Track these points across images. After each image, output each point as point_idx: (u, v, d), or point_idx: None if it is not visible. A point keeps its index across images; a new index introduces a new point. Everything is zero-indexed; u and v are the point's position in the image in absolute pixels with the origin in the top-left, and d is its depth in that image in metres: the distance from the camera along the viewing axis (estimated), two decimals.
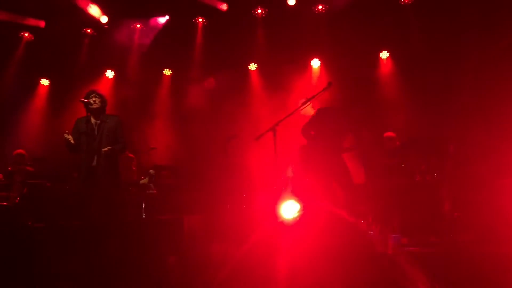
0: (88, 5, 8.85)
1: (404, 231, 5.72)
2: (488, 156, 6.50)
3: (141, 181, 7.53)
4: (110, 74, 9.97)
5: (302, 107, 6.08)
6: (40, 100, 9.91)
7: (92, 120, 5.47)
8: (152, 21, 9.62)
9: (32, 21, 9.25)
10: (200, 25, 9.62)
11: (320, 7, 9.17)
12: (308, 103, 6.06)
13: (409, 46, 8.78)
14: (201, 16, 9.55)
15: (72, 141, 5.31)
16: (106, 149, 5.26)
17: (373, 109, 8.76)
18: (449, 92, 8.18)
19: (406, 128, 8.07)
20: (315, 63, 9.50)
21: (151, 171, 7.30)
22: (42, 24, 9.36)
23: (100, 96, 5.59)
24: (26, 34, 9.52)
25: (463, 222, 6.01)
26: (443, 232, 5.87)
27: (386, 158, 7.17)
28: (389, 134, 7.53)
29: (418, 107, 8.38)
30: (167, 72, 10.06)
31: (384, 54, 9.30)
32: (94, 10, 9.04)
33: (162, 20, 9.61)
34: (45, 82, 9.99)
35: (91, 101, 5.48)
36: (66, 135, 5.31)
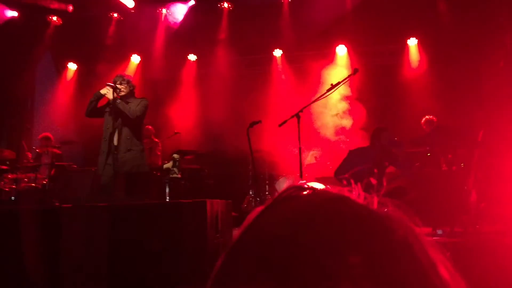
0: None
1: (429, 220, 5.65)
2: None
3: (165, 166, 7.61)
4: (136, 59, 10.05)
5: (327, 94, 6.03)
6: (67, 84, 10.07)
7: (119, 102, 5.52)
8: (178, 5, 9.62)
9: (60, 5, 9.34)
10: (225, 10, 9.58)
11: None
12: (334, 89, 6.00)
13: (439, 32, 8.58)
14: (227, 1, 9.49)
15: (104, 92, 5.37)
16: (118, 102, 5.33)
17: (399, 97, 8.63)
18: (479, 80, 8.01)
19: (434, 117, 7.93)
20: (341, 50, 9.37)
21: (175, 155, 7.35)
22: (70, 8, 9.45)
23: (127, 82, 5.63)
24: (55, 18, 9.63)
25: (489, 213, 5.90)
26: (468, 222, 5.77)
27: (413, 147, 7.07)
28: (428, 117, 7.45)
29: (447, 95, 8.22)
30: (192, 57, 10.07)
31: (412, 41, 9.12)
32: None
33: (188, 5, 9.60)
34: (72, 66, 10.12)
35: (118, 87, 5.52)
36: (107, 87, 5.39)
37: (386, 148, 6.04)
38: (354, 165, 5.80)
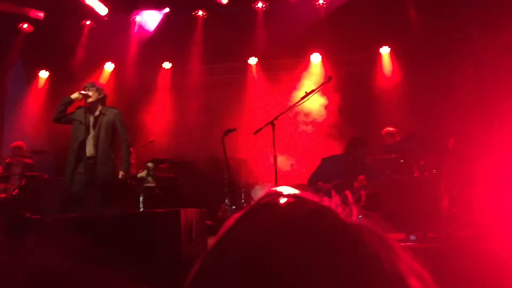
0: None
1: (401, 226, 5.71)
2: (488, 152, 6.48)
3: (139, 174, 7.52)
4: (109, 66, 9.94)
5: (301, 102, 6.08)
6: (39, 92, 9.89)
7: (90, 112, 5.47)
8: (152, 13, 9.56)
9: (32, 12, 9.19)
10: (200, 18, 9.58)
11: (320, 1, 9.11)
12: (308, 97, 6.04)
13: (410, 41, 8.75)
14: (202, 9, 9.49)
15: (74, 97, 5.31)
16: (121, 175, 5.30)
17: (373, 105, 8.75)
18: (450, 88, 8.16)
19: (406, 124, 8.05)
20: (316, 58, 9.46)
21: (149, 164, 7.28)
22: (41, 15, 9.30)
23: (97, 89, 5.57)
24: (26, 26, 9.46)
25: (461, 218, 5.99)
26: (441, 228, 5.85)
27: (385, 153, 7.16)
28: (389, 129, 7.53)
29: (418, 103, 8.38)
30: (166, 65, 10.02)
31: (385, 49, 9.27)
32: (93, 2, 8.98)
33: (162, 12, 9.56)
34: (44, 74, 9.95)
35: (88, 94, 5.47)
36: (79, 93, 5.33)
37: (360, 160, 6.10)
38: (327, 174, 5.84)
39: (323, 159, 6.10)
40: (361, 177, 6.59)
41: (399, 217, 5.68)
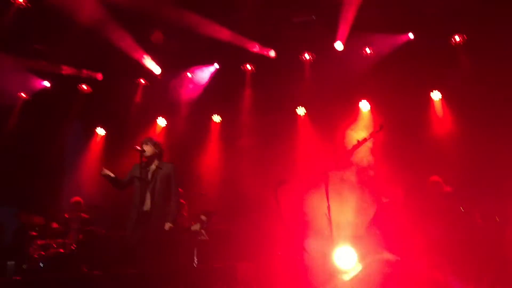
0: (142, 56, 9.23)
1: (468, 278, 5.39)
2: None
3: (193, 227, 7.54)
4: (162, 122, 10.25)
5: (352, 150, 5.99)
6: (96, 148, 10.27)
7: (147, 166, 5.60)
8: (202, 69, 9.89)
9: (90, 74, 9.73)
10: (248, 71, 9.81)
11: (368, 50, 9.15)
12: (360, 146, 5.96)
13: (462, 86, 8.55)
14: (250, 63, 9.74)
15: (111, 174, 5.46)
16: (168, 227, 5.37)
17: (426, 151, 8.49)
18: (507, 132, 7.87)
19: (463, 171, 7.76)
20: (365, 106, 9.40)
21: (203, 216, 7.30)
22: (99, 76, 9.82)
23: (154, 144, 5.74)
24: (85, 86, 9.99)
25: None
26: (509, 279, 5.49)
27: (444, 202, 6.90)
28: (434, 178, 7.26)
29: (475, 148, 8.08)
30: (216, 118, 10.23)
31: (436, 95, 9.09)
32: (148, 61, 9.41)
33: (212, 68, 9.88)
34: (101, 131, 10.36)
35: (144, 148, 5.62)
36: (102, 172, 5.48)
37: None
38: None
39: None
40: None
41: (465, 268, 5.39)
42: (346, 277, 4.43)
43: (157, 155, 5.73)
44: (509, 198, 6.61)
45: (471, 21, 8.38)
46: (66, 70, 9.46)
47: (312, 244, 6.66)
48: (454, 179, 7.41)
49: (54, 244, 7.25)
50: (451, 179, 7.37)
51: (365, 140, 6.03)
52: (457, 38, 8.71)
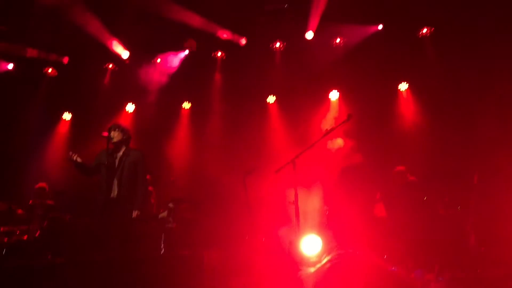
0: (111, 41, 9.06)
1: (429, 266, 5.56)
2: None
3: (160, 215, 7.50)
4: (130, 107, 10.11)
5: (320, 139, 6.05)
6: (62, 134, 10.06)
7: (115, 153, 5.53)
8: (172, 55, 9.78)
9: (56, 57, 9.50)
10: (219, 59, 9.76)
11: (338, 40, 9.23)
12: (327, 135, 6.02)
13: (429, 77, 8.72)
14: (220, 50, 9.68)
15: (78, 159, 5.37)
16: (135, 215, 5.32)
17: (393, 142, 8.67)
18: (471, 123, 8.08)
19: (428, 160, 7.95)
20: (334, 95, 9.49)
21: (170, 204, 7.26)
22: (65, 60, 9.60)
23: (121, 130, 5.67)
24: (50, 70, 9.75)
25: (490, 256, 5.82)
26: (469, 267, 5.68)
27: (407, 191, 7.06)
28: (400, 168, 7.42)
29: (440, 138, 8.28)
30: (186, 105, 10.16)
31: (403, 86, 9.25)
32: (116, 46, 9.24)
33: (182, 54, 9.78)
34: (67, 116, 10.15)
35: (111, 135, 5.55)
36: (69, 156, 5.39)
37: None
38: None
39: (342, 169, 5.97)
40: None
41: (426, 255, 5.54)
42: (312, 269, 4.51)
43: (125, 141, 5.67)
44: (470, 188, 6.82)
45: (438, 13, 8.53)
46: (31, 52, 9.20)
47: (279, 232, 6.74)
48: (418, 169, 7.59)
49: (17, 231, 7.10)
50: (416, 169, 7.55)
51: (333, 129, 6.10)
52: (424, 30, 8.86)
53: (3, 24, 8.60)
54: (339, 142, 6.31)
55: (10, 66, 9.54)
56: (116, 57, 9.48)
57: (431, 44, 8.88)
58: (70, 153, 5.49)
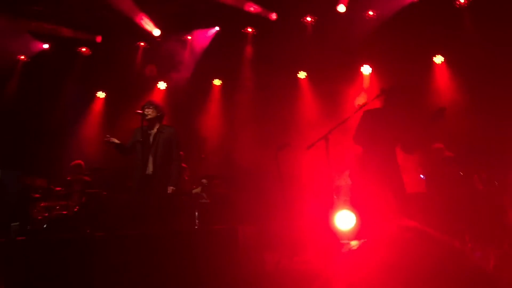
0: (142, 19, 9.11)
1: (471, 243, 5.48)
2: None
3: (194, 191, 7.61)
4: (162, 85, 10.19)
5: (354, 115, 5.95)
6: (97, 112, 10.27)
7: (149, 130, 5.61)
8: (202, 32, 9.77)
9: (89, 36, 9.64)
10: (249, 34, 9.70)
11: (370, 12, 9.00)
12: (361, 110, 5.92)
13: (465, 50, 8.44)
14: (251, 26, 9.61)
15: (115, 141, 5.48)
16: (170, 190, 5.40)
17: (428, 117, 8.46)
18: (508, 96, 7.82)
19: (465, 136, 7.76)
20: (366, 70, 9.31)
21: (204, 180, 7.36)
22: (98, 39, 9.73)
23: (155, 107, 5.73)
24: (84, 49, 9.91)
25: None
26: (508, 243, 5.57)
27: (445, 166, 6.93)
28: (437, 144, 7.24)
29: (477, 114, 8.05)
30: (217, 82, 10.17)
31: (438, 59, 8.98)
32: (147, 24, 9.28)
33: (212, 31, 9.75)
34: (101, 94, 10.33)
35: (145, 112, 5.62)
36: (106, 139, 5.49)
37: (400, 112, 5.49)
38: (370, 127, 5.36)
39: (365, 112, 5.64)
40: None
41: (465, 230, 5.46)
42: (354, 243, 4.49)
43: (159, 118, 5.74)
44: (509, 164, 6.65)
45: None
46: (66, 32, 9.35)
47: (313, 208, 6.76)
48: (455, 144, 7.43)
49: (57, 206, 7.34)
50: (453, 145, 7.39)
51: (366, 104, 5.99)
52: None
53: (38, 4, 8.75)
54: (361, 99, 6.17)
55: (46, 46, 9.74)
56: (148, 35, 9.53)
57: (468, 15, 8.56)
58: (107, 136, 5.60)
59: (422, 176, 6.98)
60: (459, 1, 8.56)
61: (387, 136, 5.36)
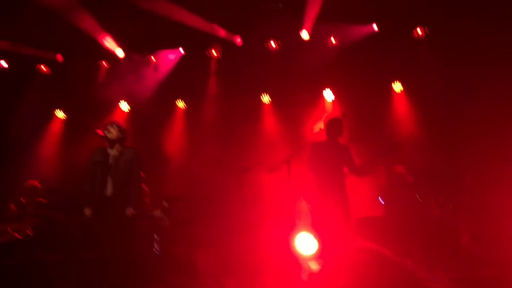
0: (105, 38, 9.02)
1: (424, 263, 5.57)
2: (506, 186, 6.40)
3: (154, 213, 7.47)
4: (125, 106, 10.05)
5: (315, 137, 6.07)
6: (55, 132, 10.01)
7: (109, 150, 5.51)
8: (166, 54, 9.77)
9: (49, 55, 9.47)
10: (214, 57, 9.74)
11: (333, 40, 9.23)
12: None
13: (423, 78, 8.74)
14: (215, 49, 9.67)
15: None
16: (129, 212, 5.31)
17: (386, 141, 8.67)
18: (464, 122, 8.12)
19: (420, 160, 7.97)
20: (328, 94, 9.48)
21: (165, 203, 7.24)
22: (59, 57, 9.56)
23: (118, 128, 5.64)
24: (43, 67, 9.71)
25: (483, 255, 5.84)
26: (462, 267, 5.70)
27: (401, 190, 7.08)
28: (399, 167, 7.41)
29: (432, 139, 8.32)
30: (180, 103, 10.12)
31: (397, 86, 9.24)
32: (110, 43, 9.20)
33: (177, 52, 9.76)
34: (60, 114, 10.09)
35: (107, 132, 5.53)
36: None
37: (342, 140, 6.11)
38: (319, 157, 5.80)
39: (312, 144, 5.96)
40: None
41: (420, 254, 5.56)
42: (313, 265, 4.50)
43: (120, 139, 5.64)
44: (463, 187, 6.86)
45: (433, 14, 8.55)
46: (25, 50, 9.15)
47: (275, 231, 6.74)
48: (412, 168, 7.60)
49: (9, 229, 7.04)
50: (410, 169, 7.57)
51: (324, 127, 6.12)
52: (419, 31, 8.86)
53: None
54: (320, 125, 6.40)
55: (4, 63, 9.50)
56: (110, 55, 9.44)
57: (425, 46, 8.90)
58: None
59: (381, 200, 7.10)
60: (417, 32, 8.87)
61: (332, 165, 5.80)
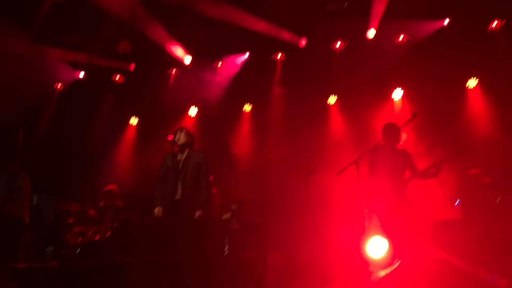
0: (173, 46, 9.32)
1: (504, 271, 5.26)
2: None
3: (224, 217, 7.59)
4: (193, 111, 10.32)
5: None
6: (129, 138, 10.46)
7: (179, 155, 5.68)
8: (232, 58, 9.92)
9: (123, 65, 9.92)
10: (279, 60, 9.76)
11: (401, 37, 8.94)
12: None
13: (499, 74, 8.25)
14: (280, 52, 9.69)
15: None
16: (197, 215, 5.46)
17: (461, 142, 8.25)
18: None
19: (497, 161, 7.53)
20: (398, 94, 9.19)
21: (234, 206, 7.34)
22: (131, 66, 10.00)
23: (186, 133, 5.81)
24: (118, 77, 10.19)
25: None
26: None
27: (478, 192, 6.75)
28: (473, 170, 7.06)
29: (510, 138, 7.82)
30: (247, 107, 10.23)
31: (472, 82, 8.77)
32: (178, 51, 9.49)
33: (242, 57, 9.89)
34: (134, 121, 10.54)
35: (176, 138, 5.70)
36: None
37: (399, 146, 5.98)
38: (380, 163, 5.71)
39: (370, 150, 5.80)
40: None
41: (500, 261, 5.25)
42: (382, 273, 4.39)
43: (189, 144, 5.80)
44: None
45: (509, 5, 8.06)
46: (100, 61, 9.65)
47: (344, 234, 6.64)
48: (491, 168, 7.21)
49: (90, 232, 7.44)
50: (488, 169, 7.18)
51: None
52: (494, 23, 8.38)
53: (75, 34, 9.10)
54: (404, 136, 6.28)
55: (81, 74, 10.08)
56: (179, 62, 9.74)
57: (502, 38, 8.40)
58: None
59: (457, 203, 6.81)
60: (492, 25, 8.40)
61: (391, 170, 5.69)
